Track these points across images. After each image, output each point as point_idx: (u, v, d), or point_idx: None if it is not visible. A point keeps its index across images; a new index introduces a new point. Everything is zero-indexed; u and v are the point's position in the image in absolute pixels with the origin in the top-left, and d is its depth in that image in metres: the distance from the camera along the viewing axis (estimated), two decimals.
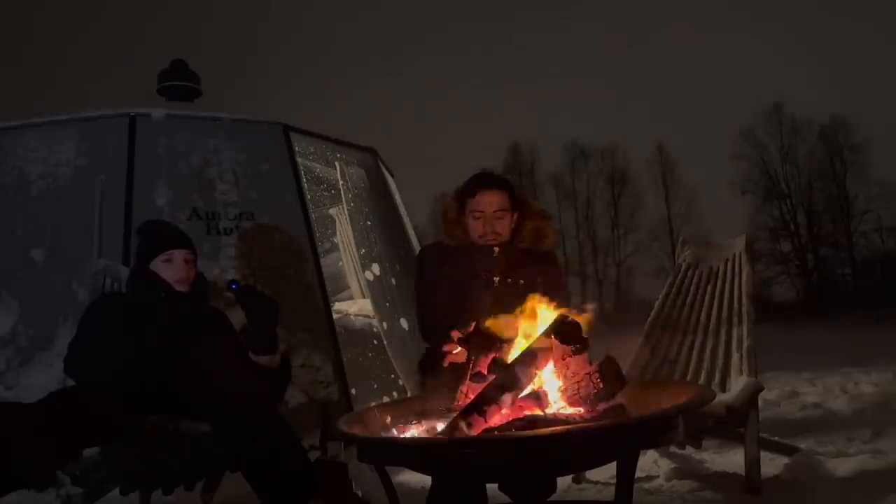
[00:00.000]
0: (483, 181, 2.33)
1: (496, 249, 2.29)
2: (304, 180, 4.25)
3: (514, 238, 2.33)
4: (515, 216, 2.34)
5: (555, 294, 2.18)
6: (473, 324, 1.86)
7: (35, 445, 1.75)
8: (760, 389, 2.34)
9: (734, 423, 2.28)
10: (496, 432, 1.49)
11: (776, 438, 2.90)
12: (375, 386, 4.07)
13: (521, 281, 2.24)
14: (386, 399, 3.77)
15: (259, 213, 3.77)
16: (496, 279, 2.25)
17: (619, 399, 1.57)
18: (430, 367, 2.19)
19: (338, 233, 5.35)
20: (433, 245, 2.50)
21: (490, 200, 2.28)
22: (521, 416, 1.55)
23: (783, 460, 2.67)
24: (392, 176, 5.16)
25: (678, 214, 32.46)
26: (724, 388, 2.39)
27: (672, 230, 31.69)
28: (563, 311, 1.70)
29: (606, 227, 33.07)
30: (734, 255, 2.71)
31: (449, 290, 2.24)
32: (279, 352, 2.26)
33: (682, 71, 50.82)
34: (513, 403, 1.58)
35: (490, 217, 2.28)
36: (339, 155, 4.42)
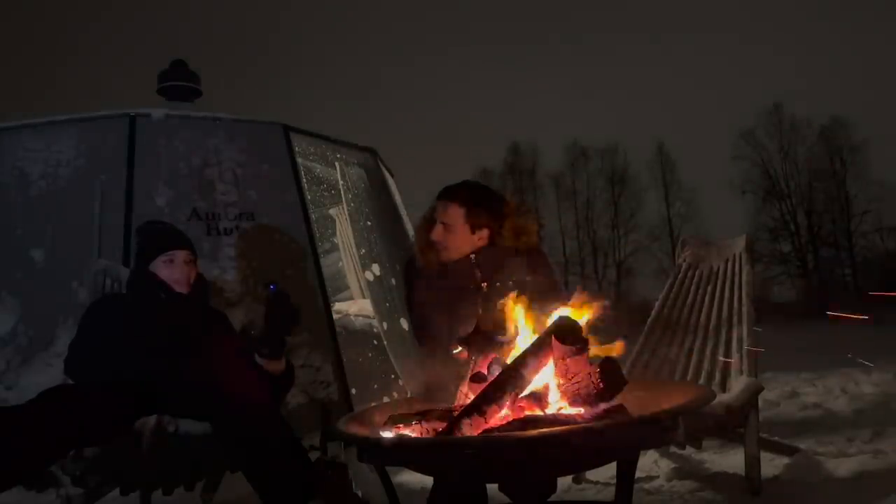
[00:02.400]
0: (442, 191, 2.33)
1: (473, 257, 2.27)
2: (304, 180, 4.24)
3: (496, 240, 2.31)
4: (486, 232, 2.30)
5: (548, 292, 2.18)
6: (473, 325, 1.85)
7: (24, 444, 1.75)
8: (760, 389, 2.34)
9: (734, 424, 2.27)
10: (496, 432, 1.49)
11: (776, 439, 2.90)
12: (375, 386, 4.07)
13: (510, 282, 2.23)
14: (386, 399, 3.77)
15: (259, 214, 3.77)
16: (484, 285, 2.24)
17: (620, 399, 1.57)
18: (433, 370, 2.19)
19: (338, 233, 5.34)
20: (415, 261, 2.47)
21: (442, 210, 2.28)
22: (521, 416, 1.55)
23: (783, 461, 2.67)
24: (392, 176, 5.16)
25: (678, 214, 32.43)
26: (724, 389, 2.39)
27: (672, 230, 31.67)
28: (563, 305, 1.70)
29: (606, 228, 33.07)
30: (734, 255, 2.70)
31: (440, 307, 2.22)
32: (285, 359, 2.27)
33: (683, 71, 50.85)
34: (513, 403, 1.59)
35: (440, 225, 2.28)
36: (339, 155, 4.41)
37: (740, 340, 2.47)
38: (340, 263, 5.38)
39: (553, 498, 1.95)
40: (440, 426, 1.64)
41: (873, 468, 2.51)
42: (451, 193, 2.31)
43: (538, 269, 2.29)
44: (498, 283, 2.23)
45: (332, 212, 5.33)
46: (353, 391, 3.68)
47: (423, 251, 2.34)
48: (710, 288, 2.74)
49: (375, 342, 4.23)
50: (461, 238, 2.27)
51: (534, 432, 1.43)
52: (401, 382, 3.98)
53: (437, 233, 2.27)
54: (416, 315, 2.35)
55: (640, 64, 53.75)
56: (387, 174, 4.98)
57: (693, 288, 2.81)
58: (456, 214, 2.26)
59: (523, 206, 2.38)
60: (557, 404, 1.59)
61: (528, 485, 1.79)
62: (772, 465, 2.61)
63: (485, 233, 2.28)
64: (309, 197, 4.32)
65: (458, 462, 1.49)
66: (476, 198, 2.30)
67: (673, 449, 2.82)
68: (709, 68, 51.49)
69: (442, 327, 2.07)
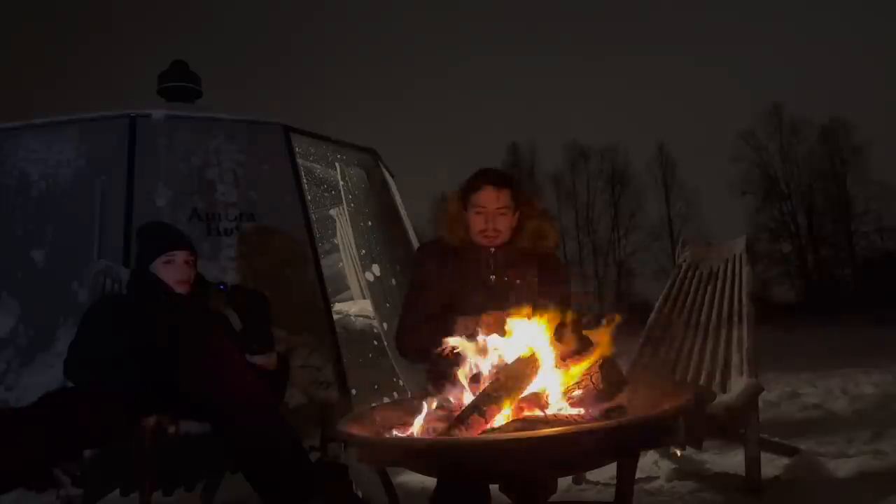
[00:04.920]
0: (487, 176, 2.30)
1: (493, 249, 2.28)
2: (305, 181, 4.24)
3: (515, 237, 2.32)
4: (517, 215, 2.32)
5: (555, 295, 2.18)
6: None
7: (24, 446, 1.75)
8: (761, 390, 2.34)
9: (734, 424, 2.27)
10: (496, 433, 1.49)
11: (776, 439, 2.90)
12: (376, 386, 4.07)
13: (518, 280, 2.24)
14: (386, 399, 3.77)
15: (259, 214, 3.77)
16: (492, 277, 2.25)
17: (620, 400, 1.57)
18: (435, 372, 2.19)
19: (338, 233, 5.35)
20: (433, 243, 2.46)
21: (492, 196, 2.25)
22: (521, 416, 1.55)
23: (784, 461, 2.66)
24: (392, 176, 5.16)
25: (678, 215, 32.49)
26: (724, 389, 2.39)
27: (672, 231, 31.70)
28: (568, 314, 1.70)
29: (606, 228, 33.11)
30: (734, 255, 2.70)
31: (442, 289, 2.23)
32: (276, 352, 2.26)
33: (682, 71, 50.87)
34: (513, 404, 1.58)
35: (492, 213, 2.25)
36: (339, 156, 4.42)
37: (740, 341, 2.47)
38: (340, 264, 5.39)
39: (553, 498, 1.96)
40: (440, 426, 1.64)
41: (873, 469, 2.51)
42: (503, 179, 2.31)
43: (550, 274, 2.30)
44: (506, 278, 2.24)
45: (332, 212, 5.34)
46: (354, 391, 3.68)
47: (452, 226, 2.33)
48: (710, 288, 2.74)
49: (375, 342, 4.24)
50: (510, 222, 2.29)
51: (534, 432, 1.43)
52: (401, 382, 3.98)
53: (503, 222, 2.26)
54: (411, 297, 2.33)
55: (640, 64, 53.78)
56: (387, 175, 4.98)
57: (693, 288, 2.81)
58: (509, 199, 2.27)
59: (547, 211, 2.40)
60: (557, 405, 1.59)
61: (528, 485, 1.79)
62: (772, 465, 2.61)
63: (516, 218, 2.31)
64: (309, 197, 4.32)
65: (458, 463, 1.49)
66: (518, 189, 2.33)
67: (673, 450, 2.82)
68: (709, 68, 51.53)
69: (434, 314, 2.08)
